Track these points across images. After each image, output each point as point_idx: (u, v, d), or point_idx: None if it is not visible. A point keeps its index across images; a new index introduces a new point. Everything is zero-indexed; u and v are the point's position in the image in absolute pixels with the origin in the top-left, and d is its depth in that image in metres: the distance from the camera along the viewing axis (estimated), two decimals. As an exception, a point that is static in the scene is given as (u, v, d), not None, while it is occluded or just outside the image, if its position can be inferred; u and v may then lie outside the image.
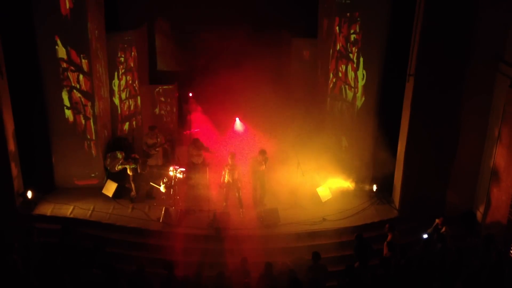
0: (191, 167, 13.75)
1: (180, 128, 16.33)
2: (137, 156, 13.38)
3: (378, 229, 12.29)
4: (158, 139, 14.19)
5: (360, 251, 10.80)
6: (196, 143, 13.86)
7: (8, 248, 10.22)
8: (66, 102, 13.29)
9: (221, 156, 14.41)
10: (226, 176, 12.85)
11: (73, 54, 12.88)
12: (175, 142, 15.43)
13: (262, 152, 12.99)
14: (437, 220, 11.37)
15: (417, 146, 12.43)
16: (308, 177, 13.60)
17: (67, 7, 12.47)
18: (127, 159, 13.35)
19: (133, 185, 13.47)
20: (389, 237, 10.98)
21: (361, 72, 13.44)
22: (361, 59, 13.29)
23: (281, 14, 16.16)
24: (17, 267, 9.89)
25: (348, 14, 13.08)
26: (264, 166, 12.97)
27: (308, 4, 15.16)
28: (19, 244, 10.48)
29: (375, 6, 12.85)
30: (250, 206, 13.19)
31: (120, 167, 13.47)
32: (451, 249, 10.63)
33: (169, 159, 15.12)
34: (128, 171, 13.36)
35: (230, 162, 12.85)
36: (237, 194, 12.98)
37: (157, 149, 14.11)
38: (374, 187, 13.72)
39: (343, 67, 13.59)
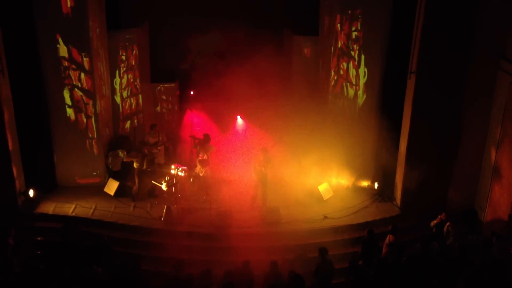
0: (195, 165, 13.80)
1: (181, 126, 16.30)
2: (147, 152, 13.36)
3: (380, 226, 12.30)
4: (160, 138, 14.19)
5: (369, 246, 10.80)
6: (207, 140, 13.74)
7: (11, 247, 10.28)
8: (68, 101, 13.30)
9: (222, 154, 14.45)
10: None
11: (75, 52, 12.89)
12: (177, 141, 15.42)
13: (264, 151, 12.95)
14: (440, 216, 11.37)
15: (419, 143, 12.42)
16: (309, 175, 13.60)
17: (68, 6, 12.47)
18: (138, 153, 13.32)
19: (136, 180, 13.47)
20: (391, 239, 10.97)
21: (362, 70, 13.43)
22: (363, 57, 13.28)
23: (282, 12, 16.16)
24: (15, 266, 9.92)
25: (349, 11, 13.06)
26: (265, 167, 12.86)
27: (309, 1, 15.15)
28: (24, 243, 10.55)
29: (376, 4, 12.84)
30: (250, 206, 13.15)
31: (129, 159, 13.44)
32: (453, 247, 10.64)
33: (171, 157, 15.13)
34: (134, 165, 13.36)
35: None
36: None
37: (158, 147, 14.09)
38: (376, 185, 13.73)
39: (345, 64, 13.58)
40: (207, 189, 13.26)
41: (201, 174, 13.28)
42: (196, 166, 13.49)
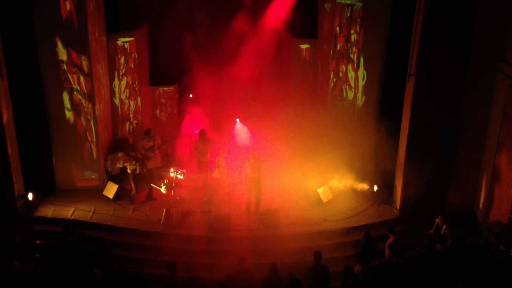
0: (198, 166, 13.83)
1: (180, 129, 16.29)
2: (139, 155, 13.36)
3: (379, 229, 12.30)
4: (156, 142, 14.14)
5: (366, 249, 10.79)
6: (202, 136, 13.79)
7: (12, 250, 10.28)
8: (67, 104, 13.29)
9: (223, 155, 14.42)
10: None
11: (74, 55, 12.89)
12: (175, 143, 15.40)
13: (254, 154, 12.89)
14: (437, 220, 11.38)
15: (418, 146, 12.42)
16: (309, 177, 13.59)
17: (68, 9, 12.48)
18: (129, 158, 13.34)
19: (133, 185, 13.47)
20: (391, 239, 10.99)
21: (361, 72, 13.44)
22: (362, 59, 13.29)
23: (281, 15, 16.17)
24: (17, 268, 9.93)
25: (348, 14, 13.07)
26: (256, 172, 12.76)
27: (308, 4, 15.16)
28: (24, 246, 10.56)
29: (375, 6, 12.85)
30: (245, 212, 13.13)
31: (120, 165, 13.47)
32: (452, 249, 10.63)
33: (169, 160, 15.11)
34: (128, 170, 13.36)
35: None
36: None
37: (155, 151, 14.05)
38: (375, 188, 13.72)
39: (344, 67, 13.58)
40: (211, 190, 13.29)
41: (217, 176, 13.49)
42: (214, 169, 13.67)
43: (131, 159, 13.28)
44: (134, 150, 13.57)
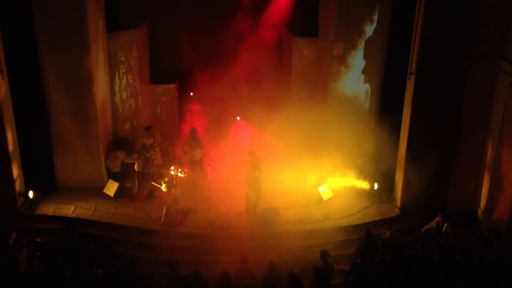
0: (189, 165, 13.80)
1: (181, 127, 16.30)
2: (149, 155, 13.35)
3: (380, 227, 12.30)
4: (156, 139, 14.14)
5: (367, 247, 10.80)
6: (193, 134, 13.79)
7: (13, 247, 10.29)
8: (67, 102, 13.27)
9: (221, 155, 14.44)
10: None
11: (74, 54, 12.85)
12: (174, 142, 15.41)
13: (251, 153, 12.78)
14: (436, 218, 11.38)
15: (419, 144, 12.41)
16: (310, 175, 13.59)
17: (68, 7, 12.45)
18: (139, 156, 13.34)
19: (136, 182, 13.47)
20: (386, 235, 11.05)
21: (362, 70, 13.42)
22: (363, 58, 13.27)
23: (282, 13, 16.18)
24: (20, 265, 9.94)
25: (349, 12, 13.05)
26: (255, 170, 12.64)
27: (308, 2, 15.16)
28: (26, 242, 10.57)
29: (376, 4, 12.83)
30: (244, 209, 13.10)
31: (130, 160, 13.46)
32: (452, 248, 10.64)
33: (170, 158, 15.11)
34: (135, 167, 13.36)
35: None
36: None
37: (155, 149, 14.06)
38: (376, 186, 13.71)
39: (344, 66, 13.56)
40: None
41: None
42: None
43: (142, 156, 13.24)
44: (147, 148, 13.49)
